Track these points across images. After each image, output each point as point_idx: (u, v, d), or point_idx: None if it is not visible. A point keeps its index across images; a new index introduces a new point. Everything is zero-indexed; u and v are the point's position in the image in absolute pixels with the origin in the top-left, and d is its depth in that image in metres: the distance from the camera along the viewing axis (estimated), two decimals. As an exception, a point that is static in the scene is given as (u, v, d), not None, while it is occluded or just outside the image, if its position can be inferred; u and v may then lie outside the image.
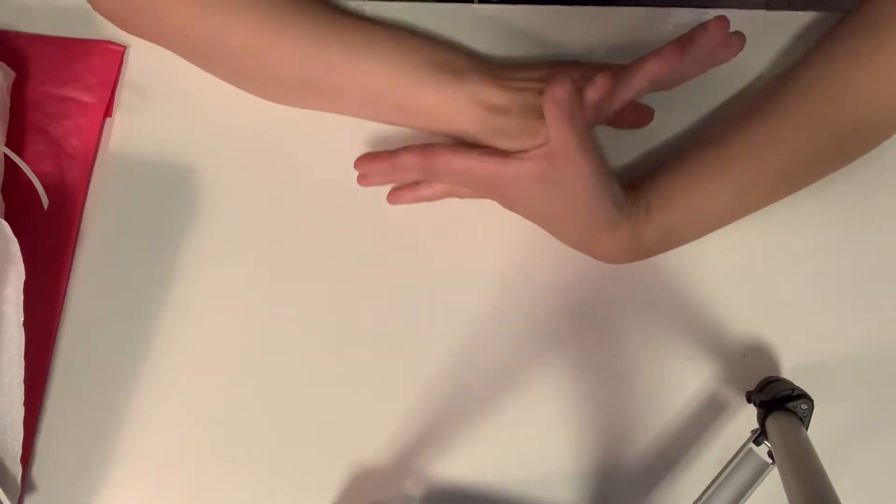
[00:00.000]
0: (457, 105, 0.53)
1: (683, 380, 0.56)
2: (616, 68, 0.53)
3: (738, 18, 0.61)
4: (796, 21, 0.60)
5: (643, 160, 0.59)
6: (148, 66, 0.60)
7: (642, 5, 0.62)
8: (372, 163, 0.57)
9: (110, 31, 0.60)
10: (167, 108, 0.60)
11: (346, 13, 0.57)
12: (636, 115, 0.58)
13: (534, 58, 0.60)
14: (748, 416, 0.54)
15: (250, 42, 0.54)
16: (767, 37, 0.59)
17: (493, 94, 0.53)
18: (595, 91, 0.49)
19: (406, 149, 0.55)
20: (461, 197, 0.58)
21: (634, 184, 0.55)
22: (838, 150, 0.55)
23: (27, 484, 0.55)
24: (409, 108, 0.55)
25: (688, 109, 0.59)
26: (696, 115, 0.59)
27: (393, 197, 0.58)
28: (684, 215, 0.54)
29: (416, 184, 0.58)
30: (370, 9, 0.60)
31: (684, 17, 0.61)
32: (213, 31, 0.55)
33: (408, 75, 0.54)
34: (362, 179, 0.58)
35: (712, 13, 0.61)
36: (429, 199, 0.58)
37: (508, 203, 0.55)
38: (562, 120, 0.47)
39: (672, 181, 0.54)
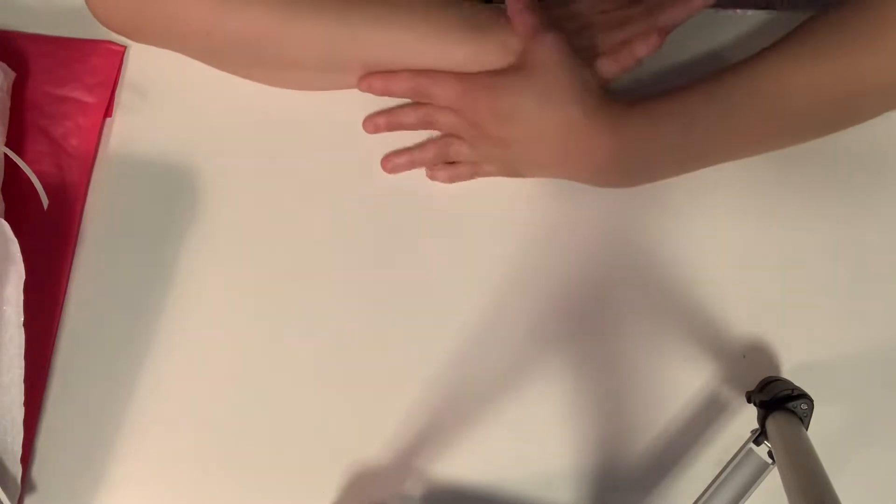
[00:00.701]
0: (488, 58, 0.53)
1: (683, 380, 0.56)
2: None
3: (738, 18, 0.61)
4: (796, 21, 0.59)
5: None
6: (148, 66, 0.60)
7: (642, 5, 0.62)
8: (374, 78, 0.56)
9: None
10: (167, 108, 0.60)
11: None
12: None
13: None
14: (748, 416, 0.54)
15: (272, 27, 0.54)
16: (767, 37, 0.59)
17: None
18: (647, 48, 0.53)
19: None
20: (455, 160, 0.58)
21: None
22: (837, 108, 0.55)
23: (27, 484, 0.55)
24: (440, 69, 0.54)
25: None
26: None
27: (388, 162, 0.59)
28: (669, 112, 0.53)
29: (408, 148, 0.59)
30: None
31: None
32: (234, 24, 0.54)
33: (436, 37, 0.54)
34: (367, 122, 0.59)
35: (712, 13, 0.61)
36: (423, 161, 0.58)
37: (496, 128, 0.54)
38: (521, 6, 0.52)
39: (659, 97, 0.54)
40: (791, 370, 0.56)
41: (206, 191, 0.59)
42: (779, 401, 0.50)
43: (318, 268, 0.58)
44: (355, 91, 0.57)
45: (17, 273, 0.51)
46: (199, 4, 0.54)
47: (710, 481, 0.50)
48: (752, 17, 0.61)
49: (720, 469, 0.50)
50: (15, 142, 0.59)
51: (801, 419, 0.50)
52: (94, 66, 0.60)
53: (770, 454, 0.49)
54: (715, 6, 0.61)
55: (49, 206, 0.56)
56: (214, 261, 0.58)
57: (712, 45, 0.60)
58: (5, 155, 0.56)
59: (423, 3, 0.54)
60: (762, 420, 0.51)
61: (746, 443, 0.50)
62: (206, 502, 0.55)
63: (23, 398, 0.52)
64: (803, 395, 0.50)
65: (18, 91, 0.60)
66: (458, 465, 0.55)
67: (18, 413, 0.52)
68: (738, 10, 0.61)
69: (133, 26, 0.58)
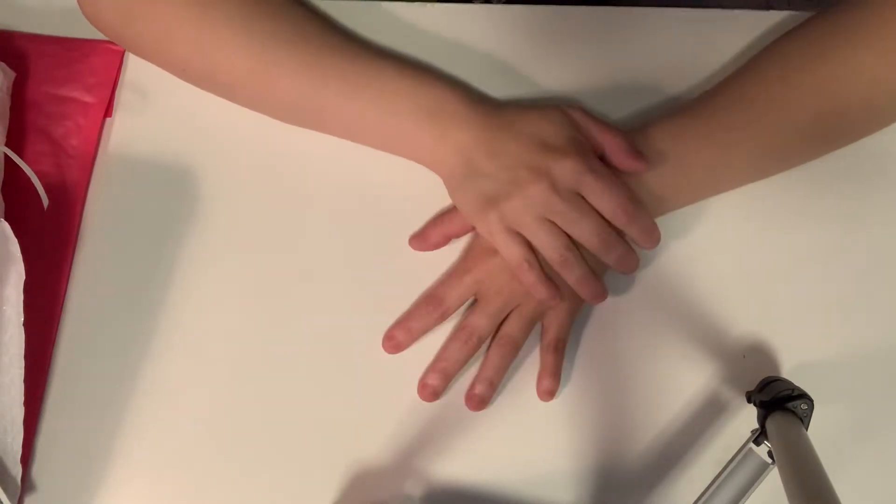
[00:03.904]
0: (439, 153, 0.55)
1: (683, 380, 0.56)
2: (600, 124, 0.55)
3: (738, 18, 0.61)
4: (796, 21, 0.59)
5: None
6: (148, 66, 0.60)
7: (642, 5, 0.62)
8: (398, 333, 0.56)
9: (110, 31, 0.60)
10: (167, 108, 0.60)
11: (341, 47, 0.56)
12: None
13: (528, 98, 0.60)
14: (748, 416, 0.54)
15: (244, 79, 0.56)
16: (767, 37, 0.59)
17: (480, 157, 0.53)
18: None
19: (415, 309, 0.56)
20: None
21: None
22: (823, 129, 0.56)
23: (27, 484, 0.55)
24: (398, 146, 0.56)
25: (688, 109, 0.59)
26: (696, 115, 0.59)
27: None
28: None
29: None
30: (374, 11, 0.60)
31: (684, 17, 0.61)
32: (209, 66, 0.56)
33: (395, 121, 0.55)
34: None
35: (712, 13, 0.61)
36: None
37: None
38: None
39: (651, 132, 0.55)
40: (791, 370, 0.56)
41: (206, 191, 0.59)
42: (779, 401, 0.50)
43: (318, 267, 0.58)
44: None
45: (17, 273, 0.51)
46: (183, 40, 0.55)
47: (710, 481, 0.50)
48: (752, 17, 0.61)
49: (720, 469, 0.50)
50: (15, 142, 0.59)
51: (801, 419, 0.50)
52: (94, 66, 0.60)
53: (770, 454, 0.49)
54: (715, 6, 0.61)
55: (49, 206, 0.56)
56: (214, 261, 0.58)
57: (712, 46, 0.60)
58: (5, 155, 0.57)
59: (395, 85, 0.55)
60: (762, 420, 0.51)
61: (746, 443, 0.50)
62: (206, 502, 0.55)
63: (23, 398, 0.52)
64: (803, 395, 0.50)
65: (18, 91, 0.60)
66: (458, 465, 0.55)
67: (18, 413, 0.52)
68: (738, 10, 0.61)
69: (129, 43, 0.59)
